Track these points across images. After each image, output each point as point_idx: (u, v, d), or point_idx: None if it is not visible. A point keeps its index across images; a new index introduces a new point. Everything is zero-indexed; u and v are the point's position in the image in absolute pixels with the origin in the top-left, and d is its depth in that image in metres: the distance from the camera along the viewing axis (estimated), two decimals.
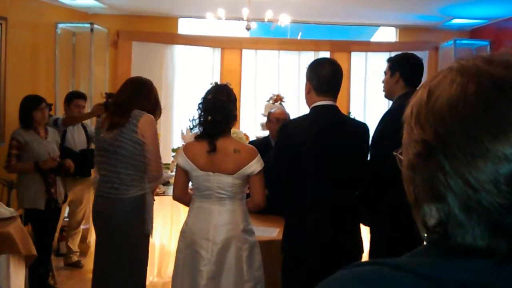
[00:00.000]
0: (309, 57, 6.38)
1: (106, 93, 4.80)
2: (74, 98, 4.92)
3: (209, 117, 2.74)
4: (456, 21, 6.30)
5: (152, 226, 3.15)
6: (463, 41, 6.49)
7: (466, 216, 0.60)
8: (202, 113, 2.77)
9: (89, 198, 4.92)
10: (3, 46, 5.10)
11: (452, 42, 6.38)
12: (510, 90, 0.59)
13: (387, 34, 7.41)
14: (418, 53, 6.47)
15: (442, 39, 6.67)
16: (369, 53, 6.80)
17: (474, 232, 0.60)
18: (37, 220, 4.11)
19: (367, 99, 6.87)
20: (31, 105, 4.20)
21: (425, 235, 0.65)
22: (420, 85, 0.70)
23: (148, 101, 3.16)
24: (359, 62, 6.89)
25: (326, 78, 2.61)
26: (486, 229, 0.59)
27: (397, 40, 7.03)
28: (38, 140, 4.20)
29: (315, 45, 6.91)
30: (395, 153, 0.71)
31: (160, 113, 3.35)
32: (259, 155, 2.77)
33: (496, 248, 0.59)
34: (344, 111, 5.74)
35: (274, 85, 6.64)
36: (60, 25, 6.00)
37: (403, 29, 6.98)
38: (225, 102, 2.75)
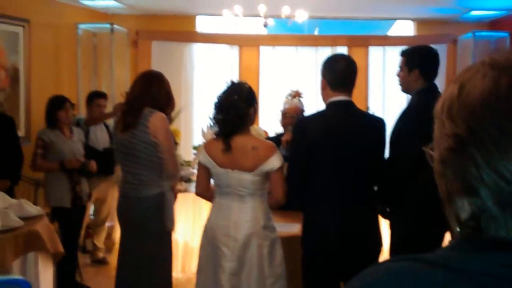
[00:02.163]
0: (327, 52, 6.39)
1: (126, 93, 4.90)
2: (94, 97, 5.01)
3: (220, 117, 2.80)
4: (474, 13, 6.24)
5: (173, 223, 3.21)
6: (482, 33, 6.42)
7: (500, 210, 0.60)
8: (216, 112, 2.83)
9: (113, 196, 5.02)
10: (27, 48, 5.22)
11: (470, 34, 6.32)
12: None
13: (405, 28, 7.38)
14: (436, 46, 6.41)
15: (461, 31, 6.61)
16: (387, 47, 6.78)
17: (508, 225, 0.60)
18: (63, 218, 4.21)
19: (386, 94, 6.85)
20: (56, 105, 4.27)
21: (458, 229, 0.66)
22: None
23: (160, 95, 3.17)
24: (377, 57, 6.88)
25: (340, 74, 2.63)
26: None
27: (415, 33, 6.99)
28: (63, 140, 4.26)
29: (332, 41, 6.91)
30: (425, 149, 0.72)
31: (174, 106, 3.38)
32: (278, 151, 2.80)
33: None
34: (362, 107, 5.76)
35: (293, 81, 6.67)
36: (81, 26, 6.11)
37: (420, 22, 6.94)
38: (236, 101, 2.75)
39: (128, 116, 3.10)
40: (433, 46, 6.26)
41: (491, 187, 0.60)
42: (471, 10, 6.14)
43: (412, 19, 7.01)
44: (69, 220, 4.23)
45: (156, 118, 3.06)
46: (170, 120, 3.47)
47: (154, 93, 3.15)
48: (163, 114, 3.11)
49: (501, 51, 0.66)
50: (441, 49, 6.46)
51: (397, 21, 7.57)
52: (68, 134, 4.35)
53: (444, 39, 6.67)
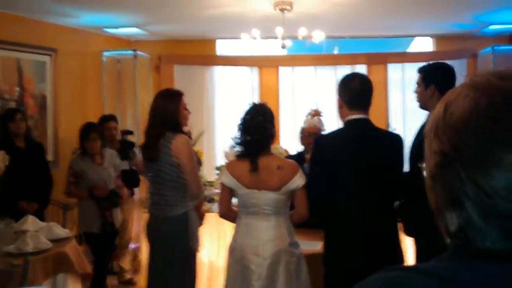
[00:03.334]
0: (346, 71, 6.38)
1: (121, 131, 5.18)
2: (104, 121, 5.06)
3: (248, 137, 2.86)
4: (493, 27, 6.23)
5: (198, 242, 3.28)
6: (502, 47, 6.40)
7: (483, 222, 0.64)
8: (242, 133, 2.90)
9: (134, 218, 5.12)
10: (54, 75, 5.42)
11: (490, 48, 6.31)
12: None
13: (424, 44, 7.40)
14: (456, 61, 6.47)
15: (480, 46, 6.60)
16: (406, 64, 6.80)
17: (492, 236, 0.63)
18: (92, 243, 4.30)
19: (406, 111, 6.85)
20: (83, 136, 4.31)
21: (449, 241, 0.69)
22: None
23: (178, 111, 3.24)
24: (396, 74, 6.90)
25: (356, 93, 2.68)
26: (502, 233, 0.63)
27: (434, 49, 7.00)
28: (93, 168, 4.30)
29: (351, 59, 6.97)
30: (419, 165, 0.78)
31: (186, 120, 3.38)
32: (301, 169, 2.87)
33: None
34: (382, 123, 5.77)
35: (312, 100, 6.74)
36: (105, 53, 6.31)
37: (439, 38, 6.95)
38: (262, 122, 2.85)
39: (147, 151, 3.22)
40: (453, 61, 6.31)
41: (474, 201, 0.64)
42: (490, 25, 6.14)
43: (431, 35, 7.03)
44: (98, 245, 4.30)
45: (178, 141, 3.15)
46: (191, 138, 3.54)
47: (172, 109, 3.22)
48: (185, 136, 3.21)
49: (483, 73, 0.71)
50: (461, 64, 6.48)
51: (416, 37, 7.59)
52: (99, 161, 4.37)
53: (464, 54, 6.66)
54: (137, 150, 5.08)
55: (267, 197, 2.79)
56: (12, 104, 4.85)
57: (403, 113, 6.87)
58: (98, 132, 4.39)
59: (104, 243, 4.34)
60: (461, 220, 0.66)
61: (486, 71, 0.71)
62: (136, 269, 5.22)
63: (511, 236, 0.63)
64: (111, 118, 5.16)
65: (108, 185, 4.33)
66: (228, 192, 2.93)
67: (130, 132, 5.59)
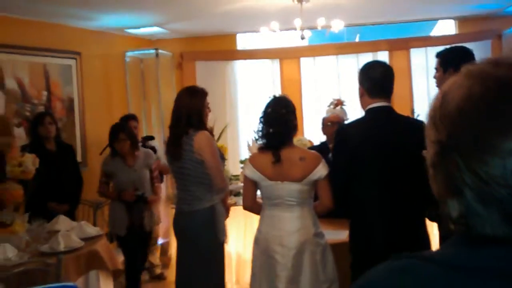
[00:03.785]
0: (368, 58, 6.34)
1: (142, 138, 5.20)
2: (124, 121, 4.99)
3: (271, 130, 2.88)
4: None
5: (225, 234, 3.34)
6: None
7: (482, 208, 0.65)
8: (264, 126, 2.92)
9: (160, 214, 5.21)
10: (79, 78, 5.54)
11: None
12: None
13: (446, 28, 7.26)
14: (480, 43, 6.33)
15: (505, 26, 6.44)
16: (429, 48, 6.69)
17: (491, 222, 0.65)
18: (121, 245, 4.35)
19: (430, 96, 6.75)
20: (112, 137, 4.28)
21: (452, 227, 0.70)
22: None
23: (202, 107, 3.29)
24: (419, 58, 6.80)
25: (377, 81, 2.67)
26: (501, 218, 0.64)
27: (457, 32, 6.87)
28: (123, 169, 4.26)
29: (373, 46, 6.90)
30: (423, 154, 0.76)
31: (207, 113, 3.39)
32: (323, 160, 2.88)
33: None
34: (407, 110, 5.70)
35: (335, 90, 6.70)
36: (128, 54, 6.40)
37: (462, 21, 6.81)
38: (284, 114, 2.87)
39: (172, 148, 3.27)
40: (477, 43, 6.17)
41: (473, 188, 0.65)
42: None
43: (454, 18, 6.89)
44: (126, 248, 4.32)
45: (200, 137, 3.20)
46: (213, 135, 3.57)
47: (190, 112, 3.26)
48: (206, 133, 3.25)
49: (479, 61, 0.71)
50: (485, 46, 6.34)
51: (439, 21, 7.46)
52: (131, 162, 4.29)
53: (488, 35, 6.52)
54: (158, 155, 5.12)
55: (290, 188, 2.82)
56: (41, 108, 4.99)
57: (428, 98, 6.77)
58: (127, 132, 4.34)
59: (132, 246, 4.29)
60: (462, 207, 0.67)
61: (482, 59, 0.71)
62: (166, 264, 5.32)
63: (510, 221, 0.64)
64: (131, 117, 5.12)
65: (139, 187, 4.26)
66: (252, 184, 2.96)
67: (151, 138, 5.56)
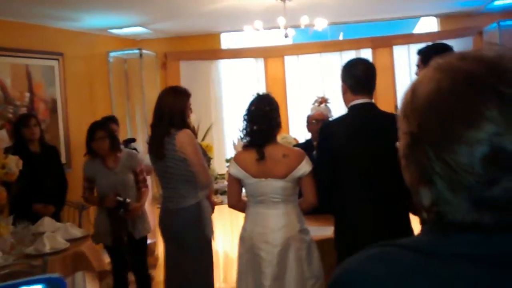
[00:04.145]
0: (351, 56, 6.42)
1: (123, 141, 4.89)
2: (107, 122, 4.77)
3: (255, 127, 2.90)
4: (498, 2, 6.17)
5: (212, 230, 3.35)
6: (508, 22, 6.33)
7: (452, 195, 0.67)
8: (248, 124, 2.94)
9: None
10: (62, 79, 5.50)
11: (495, 24, 6.24)
12: (478, 83, 0.66)
13: (429, 25, 7.34)
14: (462, 40, 6.41)
15: (485, 23, 6.53)
16: (412, 46, 6.77)
17: (461, 209, 0.67)
18: (108, 253, 4.03)
19: None
20: (89, 136, 3.91)
21: (425, 216, 0.73)
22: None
23: (176, 107, 3.26)
24: (402, 56, 6.87)
25: (360, 78, 2.70)
26: (470, 205, 0.66)
27: (439, 29, 6.95)
28: (103, 173, 3.89)
29: (356, 44, 6.96)
30: (396, 145, 0.78)
31: (189, 114, 3.37)
32: (307, 157, 2.90)
33: (481, 222, 0.66)
34: (391, 106, 5.76)
35: (319, 88, 6.75)
36: (112, 54, 6.38)
37: (444, 18, 6.90)
38: (268, 112, 2.89)
39: (155, 148, 3.27)
40: (459, 40, 6.24)
41: (443, 176, 0.68)
42: (495, 0, 6.07)
43: (436, 15, 6.97)
44: (112, 257, 3.99)
45: (181, 135, 3.21)
46: (196, 134, 3.56)
47: (180, 107, 3.27)
48: (188, 131, 3.26)
49: (448, 55, 0.74)
50: (467, 42, 6.43)
51: (422, 18, 7.53)
52: (111, 164, 3.91)
53: (469, 32, 6.60)
54: (140, 157, 5.06)
55: (274, 185, 2.84)
56: (23, 110, 4.94)
57: None
58: (106, 130, 3.93)
59: (119, 255, 3.95)
60: (433, 195, 0.69)
61: (451, 54, 0.74)
62: (153, 264, 5.30)
63: (478, 207, 0.66)
64: (111, 119, 4.77)
65: (121, 192, 3.85)
66: (236, 182, 2.98)
67: (132, 140, 5.39)
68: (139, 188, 4.05)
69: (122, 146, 4.41)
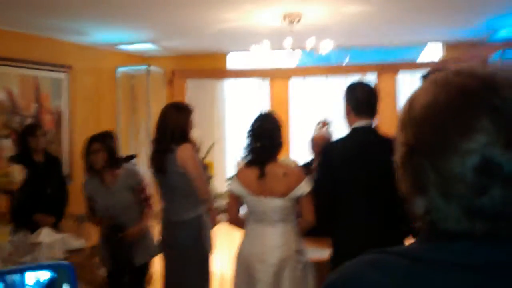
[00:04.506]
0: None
1: (123, 158, 4.44)
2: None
3: (258, 144, 2.93)
4: (503, 32, 6.24)
5: (211, 245, 3.36)
6: None
7: (445, 204, 0.70)
8: (251, 141, 2.96)
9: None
10: (69, 92, 5.57)
11: (499, 53, 6.30)
12: (472, 96, 0.70)
13: (434, 52, 7.40)
14: None
15: (490, 51, 6.59)
16: (416, 73, 6.81)
17: (453, 217, 0.69)
18: (108, 278, 3.69)
19: None
20: (85, 149, 3.58)
21: (419, 225, 0.75)
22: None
23: (186, 123, 3.33)
24: (407, 82, 6.92)
25: (362, 100, 2.73)
26: (461, 213, 0.69)
27: (444, 55, 7.01)
28: (100, 191, 3.55)
29: (361, 69, 7.02)
30: (393, 159, 0.80)
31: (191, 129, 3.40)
32: (306, 177, 2.92)
33: (472, 231, 0.69)
34: (393, 132, 5.77)
35: (323, 110, 6.78)
36: (120, 69, 6.46)
37: (449, 45, 6.97)
38: (271, 129, 2.92)
39: (157, 162, 3.31)
40: None
41: (436, 185, 0.70)
42: (500, 30, 6.14)
43: (442, 42, 7.04)
44: (113, 283, 3.64)
45: (182, 150, 3.25)
46: (198, 150, 3.60)
47: (183, 123, 3.33)
48: (188, 145, 3.31)
49: (445, 71, 0.76)
50: None
51: (428, 45, 7.60)
52: (109, 183, 3.54)
53: (474, 60, 6.63)
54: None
55: (273, 204, 2.85)
56: (29, 120, 5.00)
57: None
58: (103, 143, 3.55)
59: (115, 284, 3.60)
60: (427, 203, 0.72)
61: (448, 69, 0.77)
62: (147, 281, 5.27)
63: (469, 215, 0.69)
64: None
65: (118, 214, 3.48)
66: (236, 199, 2.99)
67: (133, 157, 5.28)
68: (143, 208, 3.62)
69: (127, 165, 4.04)
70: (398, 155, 0.77)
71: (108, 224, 3.46)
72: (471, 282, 0.68)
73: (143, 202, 3.61)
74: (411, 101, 0.76)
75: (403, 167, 0.76)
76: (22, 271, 0.86)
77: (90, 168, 3.54)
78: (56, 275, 0.86)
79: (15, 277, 0.85)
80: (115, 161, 3.57)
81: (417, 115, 0.73)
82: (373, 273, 0.73)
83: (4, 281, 0.85)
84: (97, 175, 3.54)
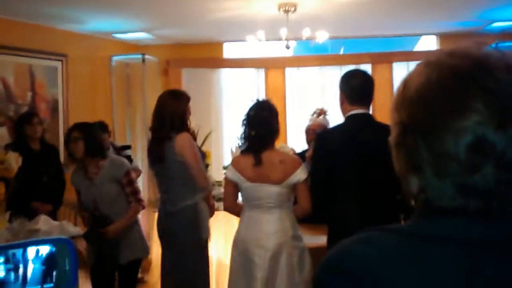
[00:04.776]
0: None
1: (118, 148, 4.74)
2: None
3: (253, 132, 2.95)
4: (497, 24, 6.27)
5: (209, 232, 3.38)
6: (506, 44, 6.43)
7: (439, 182, 0.71)
8: (246, 129, 2.99)
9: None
10: (65, 80, 5.56)
11: (494, 45, 6.33)
12: (465, 76, 0.71)
13: (429, 43, 7.44)
14: None
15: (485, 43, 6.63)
16: (411, 63, 6.85)
17: (446, 194, 0.71)
18: (90, 274, 3.50)
19: None
20: (65, 138, 3.49)
21: (413, 202, 0.77)
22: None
23: (176, 111, 3.31)
24: (401, 73, 6.95)
25: (357, 88, 2.76)
26: (455, 191, 0.70)
27: (438, 47, 7.05)
28: (84, 183, 3.40)
29: (356, 59, 7.04)
30: (388, 139, 0.82)
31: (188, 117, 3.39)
32: (303, 164, 2.95)
33: (466, 207, 0.70)
34: (388, 123, 5.81)
35: (318, 100, 6.82)
36: (115, 58, 6.44)
37: (444, 37, 7.00)
38: (267, 117, 2.94)
39: (155, 150, 3.31)
40: None
41: (430, 163, 0.72)
42: (493, 22, 6.18)
43: (435, 34, 7.08)
44: (93, 282, 3.47)
45: (180, 139, 3.25)
46: (195, 138, 3.60)
47: (181, 110, 3.33)
48: (187, 134, 3.30)
49: (437, 52, 0.79)
50: None
51: (422, 37, 7.64)
52: (92, 174, 3.37)
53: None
54: (134, 165, 4.86)
55: (269, 190, 2.88)
56: (25, 108, 4.99)
57: None
58: (84, 131, 3.39)
59: (97, 282, 3.45)
60: (421, 181, 0.73)
61: (441, 50, 0.79)
62: (145, 268, 5.31)
63: (463, 193, 0.71)
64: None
65: (101, 208, 3.31)
66: (232, 186, 3.02)
67: (128, 147, 5.23)
68: (130, 201, 3.42)
69: (112, 153, 4.18)
70: (392, 135, 0.79)
71: (90, 219, 3.31)
72: (463, 257, 0.70)
73: (130, 195, 3.40)
74: (405, 82, 0.78)
75: (397, 147, 0.77)
76: (24, 246, 0.88)
77: (70, 156, 3.44)
78: (55, 249, 0.89)
79: (17, 252, 0.88)
80: (96, 151, 3.38)
81: (411, 95, 0.75)
82: (366, 249, 0.75)
83: (7, 255, 0.88)
84: (82, 166, 3.39)
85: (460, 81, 0.72)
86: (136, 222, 3.50)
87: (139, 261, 3.60)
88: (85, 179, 3.38)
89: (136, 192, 3.44)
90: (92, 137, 3.41)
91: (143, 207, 3.52)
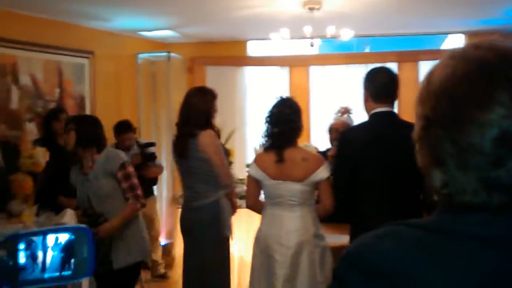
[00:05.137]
0: None
1: (142, 145, 4.87)
2: (121, 132, 4.83)
3: (276, 129, 2.95)
4: None
5: (230, 230, 3.39)
6: None
7: (463, 175, 0.70)
8: (269, 126, 2.99)
9: (157, 214, 5.29)
10: (91, 77, 5.65)
11: None
12: (491, 69, 0.70)
13: (456, 42, 7.31)
14: None
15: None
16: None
17: (470, 189, 0.70)
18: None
19: None
20: (63, 130, 3.45)
21: (436, 197, 0.76)
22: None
23: (210, 107, 3.36)
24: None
25: (382, 86, 2.73)
26: (479, 185, 0.69)
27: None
28: (79, 178, 3.29)
29: (382, 57, 6.95)
30: (411, 134, 0.82)
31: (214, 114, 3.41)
32: (326, 162, 2.94)
33: (489, 203, 0.69)
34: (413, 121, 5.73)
35: (343, 99, 6.76)
36: (140, 56, 6.50)
37: (471, 35, 6.88)
38: (289, 114, 2.94)
39: (179, 147, 3.34)
40: None
41: (454, 157, 0.71)
42: None
43: (463, 32, 6.95)
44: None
45: (204, 136, 3.27)
46: (220, 136, 3.62)
47: (208, 107, 3.36)
48: (210, 131, 3.33)
49: (463, 45, 0.78)
50: None
51: (449, 35, 7.51)
52: (86, 169, 3.22)
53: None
54: (158, 162, 5.01)
55: (292, 188, 2.87)
56: (52, 105, 5.08)
57: None
58: (78, 123, 3.30)
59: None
60: (444, 176, 0.73)
61: (466, 44, 0.79)
62: (169, 264, 5.37)
63: (487, 187, 0.70)
64: (128, 128, 4.65)
65: (95, 205, 3.14)
66: (255, 183, 3.03)
67: (152, 144, 5.28)
68: (127, 198, 3.18)
69: (136, 150, 4.30)
70: (416, 129, 0.78)
71: (82, 216, 3.07)
72: (487, 254, 0.69)
73: (128, 191, 3.15)
74: (430, 75, 0.78)
75: (420, 141, 0.77)
76: (44, 233, 0.90)
77: (65, 147, 3.35)
78: (74, 237, 0.90)
79: (37, 239, 0.90)
80: (86, 142, 3.19)
81: (435, 88, 0.74)
82: (386, 243, 0.75)
83: (27, 242, 0.89)
84: (78, 160, 3.25)
85: (486, 73, 0.71)
86: (135, 221, 3.22)
87: (138, 264, 3.29)
88: (80, 174, 3.19)
89: (133, 188, 3.16)
90: (84, 128, 3.22)
91: (143, 205, 3.23)
